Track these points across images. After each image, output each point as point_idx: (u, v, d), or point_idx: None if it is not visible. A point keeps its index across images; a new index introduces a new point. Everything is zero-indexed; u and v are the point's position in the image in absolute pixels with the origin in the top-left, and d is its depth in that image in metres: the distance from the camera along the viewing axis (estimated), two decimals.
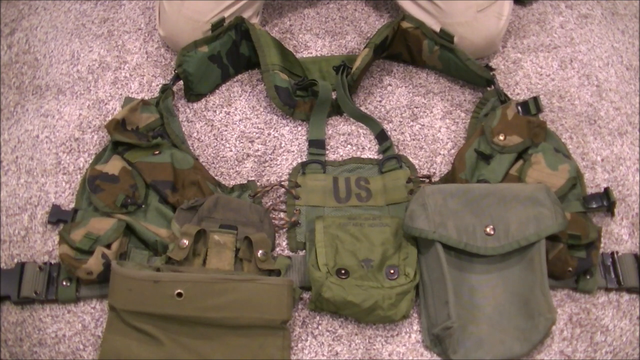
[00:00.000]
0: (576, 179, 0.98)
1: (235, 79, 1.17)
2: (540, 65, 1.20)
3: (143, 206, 0.95)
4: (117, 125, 0.99)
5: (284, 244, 0.97)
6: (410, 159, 1.06)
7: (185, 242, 0.88)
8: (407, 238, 0.91)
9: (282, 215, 1.00)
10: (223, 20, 1.10)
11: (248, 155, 1.07)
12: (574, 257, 0.89)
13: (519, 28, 1.25)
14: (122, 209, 0.93)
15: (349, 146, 1.08)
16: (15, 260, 0.95)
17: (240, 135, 1.09)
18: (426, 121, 1.11)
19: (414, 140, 1.09)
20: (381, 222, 0.93)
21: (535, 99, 1.05)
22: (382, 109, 1.13)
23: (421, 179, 1.02)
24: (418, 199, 0.90)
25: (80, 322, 0.90)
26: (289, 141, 1.09)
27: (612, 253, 0.94)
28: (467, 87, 1.16)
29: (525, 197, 0.88)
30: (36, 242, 0.97)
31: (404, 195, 1.00)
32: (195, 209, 0.93)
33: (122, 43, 1.22)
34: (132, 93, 1.14)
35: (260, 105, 1.13)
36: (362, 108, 1.13)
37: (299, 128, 1.10)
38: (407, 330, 0.90)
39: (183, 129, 1.09)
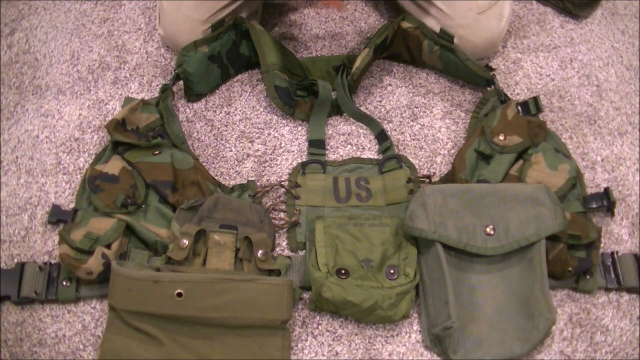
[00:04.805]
0: (576, 179, 0.98)
1: (235, 79, 1.17)
2: (540, 65, 1.20)
3: (143, 206, 0.95)
4: (117, 125, 0.99)
5: (284, 244, 0.97)
6: (410, 159, 1.06)
7: (185, 242, 0.88)
8: (407, 238, 0.91)
9: (282, 215, 1.00)
10: (223, 20, 1.10)
11: (248, 155, 1.07)
12: (574, 257, 0.89)
13: (519, 28, 1.25)
14: (122, 209, 0.93)
15: (349, 146, 1.08)
16: (15, 260, 0.95)
17: (240, 135, 1.09)
18: (426, 121, 1.11)
19: (414, 140, 1.09)
20: (381, 222, 0.93)
21: (535, 99, 1.05)
22: (382, 109, 1.13)
23: (421, 179, 1.02)
24: (418, 199, 0.90)
25: (80, 322, 0.90)
26: (289, 141, 1.09)
27: (612, 253, 0.94)
28: (467, 87, 1.16)
29: (525, 197, 0.88)
30: (36, 242, 0.97)
31: (404, 195, 1.00)
32: (195, 209, 0.93)
33: (122, 43, 1.22)
34: (132, 93, 1.14)
35: (260, 105, 1.13)
36: (362, 108, 1.13)
37: (299, 128, 1.10)
38: (407, 330, 0.90)
39: (183, 129, 1.09)
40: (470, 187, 0.91)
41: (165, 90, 1.08)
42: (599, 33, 1.25)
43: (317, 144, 1.07)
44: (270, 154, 1.07)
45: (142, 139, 0.99)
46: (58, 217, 0.96)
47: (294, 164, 1.06)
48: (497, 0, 1.09)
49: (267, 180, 1.04)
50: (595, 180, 1.05)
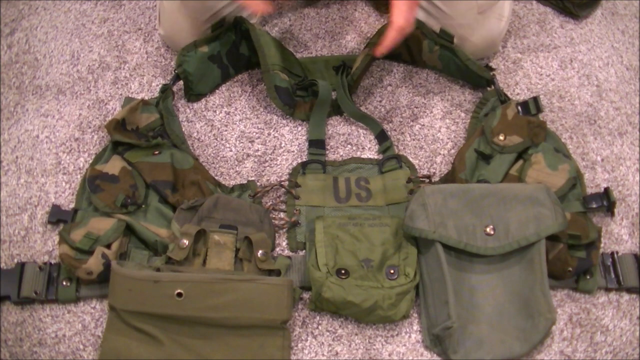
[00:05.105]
0: (576, 179, 0.98)
1: (235, 79, 1.17)
2: (540, 65, 1.20)
3: (143, 206, 0.95)
4: (117, 125, 0.99)
5: (284, 244, 0.97)
6: (410, 159, 1.06)
7: (185, 242, 0.88)
8: (407, 238, 0.91)
9: (282, 215, 1.00)
10: (223, 20, 1.10)
11: (248, 155, 1.07)
12: (574, 257, 0.89)
13: (519, 28, 1.25)
14: (122, 209, 0.93)
15: (349, 146, 1.08)
16: (15, 260, 0.95)
17: (240, 135, 1.09)
18: (426, 121, 1.11)
19: (414, 140, 1.09)
20: (381, 222, 0.93)
21: (535, 99, 1.05)
22: (382, 109, 1.13)
23: (421, 179, 1.02)
24: (418, 199, 0.90)
25: (80, 322, 0.90)
26: (289, 141, 1.09)
27: (612, 253, 0.94)
28: (467, 87, 1.16)
29: (525, 197, 0.88)
30: (36, 242, 0.97)
31: (404, 195, 1.00)
32: (195, 209, 0.93)
33: (122, 43, 1.22)
34: (132, 93, 1.14)
35: (260, 105, 1.13)
36: (362, 108, 1.13)
37: (299, 128, 1.10)
38: (407, 330, 0.90)
39: (183, 129, 1.09)
40: (470, 187, 0.91)
41: (165, 90, 1.08)
42: (599, 33, 1.25)
43: (317, 144, 1.07)
44: (270, 154, 1.07)
45: (142, 139, 0.99)
46: (58, 217, 0.96)
47: (294, 164, 1.06)
48: (497, 0, 1.09)
49: (267, 180, 1.04)
50: (595, 180, 1.04)
